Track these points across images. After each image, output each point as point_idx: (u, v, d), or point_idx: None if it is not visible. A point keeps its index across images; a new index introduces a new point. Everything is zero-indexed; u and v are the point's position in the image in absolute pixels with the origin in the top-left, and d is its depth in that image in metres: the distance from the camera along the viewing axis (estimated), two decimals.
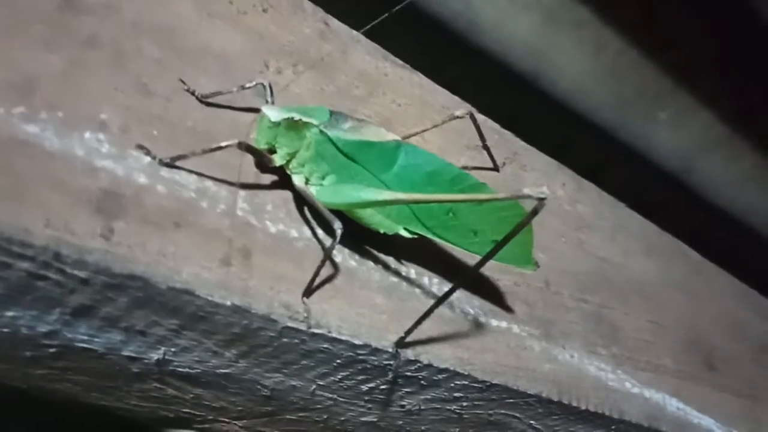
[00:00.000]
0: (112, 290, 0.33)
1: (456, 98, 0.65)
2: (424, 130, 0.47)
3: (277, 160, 0.39)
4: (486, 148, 0.57)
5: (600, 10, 0.87)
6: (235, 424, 0.49)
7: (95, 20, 0.38)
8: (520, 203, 0.43)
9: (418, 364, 0.44)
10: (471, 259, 0.51)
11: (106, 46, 0.38)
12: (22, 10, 0.35)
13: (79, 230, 0.31)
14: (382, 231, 0.42)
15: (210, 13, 0.45)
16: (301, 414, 0.48)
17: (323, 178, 0.40)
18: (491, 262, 0.45)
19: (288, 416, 0.48)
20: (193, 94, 0.40)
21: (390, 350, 0.42)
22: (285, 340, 0.39)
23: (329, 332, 0.39)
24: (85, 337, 0.36)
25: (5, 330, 0.34)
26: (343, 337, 0.40)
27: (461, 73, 0.78)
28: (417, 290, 0.46)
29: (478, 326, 0.49)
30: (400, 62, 0.61)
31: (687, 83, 0.98)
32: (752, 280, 1.02)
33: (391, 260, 0.46)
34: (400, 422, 0.52)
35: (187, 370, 0.40)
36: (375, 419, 0.50)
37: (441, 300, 0.40)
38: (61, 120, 0.33)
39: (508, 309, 0.53)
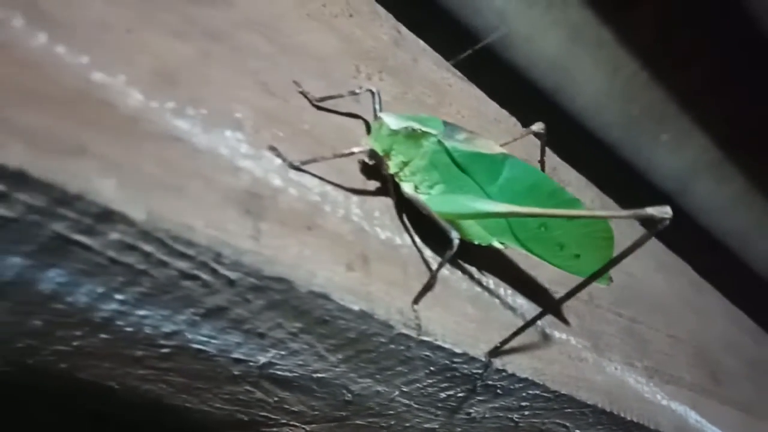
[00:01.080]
0: (253, 292, 0.32)
1: (504, 111, 0.67)
2: (505, 144, 0.48)
3: (392, 167, 0.39)
4: (542, 163, 0.58)
5: (619, 32, 0.90)
6: (303, 428, 0.48)
7: (215, 13, 0.37)
8: (608, 221, 0.44)
9: (503, 374, 0.45)
10: (533, 269, 0.53)
11: (227, 41, 0.37)
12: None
13: (233, 230, 0.31)
14: (476, 242, 0.43)
15: (308, 14, 0.45)
16: (370, 420, 0.48)
17: (432, 186, 0.40)
18: (555, 272, 0.46)
19: (357, 421, 0.48)
20: (306, 96, 0.40)
21: (483, 359, 0.42)
22: (392, 346, 0.39)
23: (435, 340, 0.39)
24: (204, 339, 0.35)
25: (128, 329, 0.33)
26: (446, 345, 0.40)
27: (490, 85, 0.80)
28: (497, 300, 0.47)
29: (545, 338, 0.50)
30: (459, 74, 0.62)
31: (689, 107, 1.02)
32: (738, 301, 1.08)
33: (474, 270, 0.47)
34: (459, 430, 0.52)
35: (285, 373, 0.40)
36: (437, 426, 0.51)
37: (537, 318, 0.41)
38: (205, 116, 0.33)
39: (565, 321, 0.54)
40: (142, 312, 0.32)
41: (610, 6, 0.84)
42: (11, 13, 0.27)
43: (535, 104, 0.91)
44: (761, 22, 0.86)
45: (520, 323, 0.48)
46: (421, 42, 0.58)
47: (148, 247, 0.28)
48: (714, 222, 1.20)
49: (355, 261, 0.37)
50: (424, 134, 0.39)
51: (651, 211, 0.35)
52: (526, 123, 0.73)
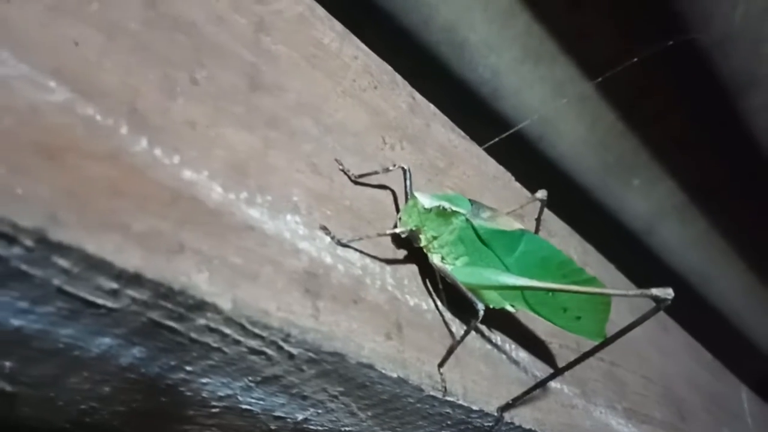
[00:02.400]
0: (308, 363, 0.36)
1: (501, 167, 0.72)
2: (512, 211, 0.53)
3: (422, 240, 0.43)
4: (538, 221, 0.63)
5: (601, 87, 0.96)
6: None
7: (272, 100, 0.41)
8: (600, 282, 0.49)
9: (510, 426, 0.49)
10: (531, 323, 0.57)
11: (283, 126, 0.41)
12: (225, 90, 0.37)
13: (298, 311, 0.34)
14: (491, 306, 0.47)
15: (343, 91, 0.48)
16: None
17: (457, 258, 0.45)
18: (547, 325, 0.51)
19: None
20: (346, 173, 0.43)
21: (495, 414, 0.47)
22: (419, 405, 0.43)
23: (457, 400, 0.43)
24: (253, 401, 0.39)
25: (188, 393, 0.36)
26: (465, 404, 0.44)
27: (478, 134, 0.85)
28: (503, 356, 0.52)
29: (543, 388, 0.55)
30: (462, 133, 0.66)
31: (659, 156, 1.09)
32: (698, 334, 1.16)
33: (484, 328, 0.51)
34: None
35: (317, 428, 0.43)
36: None
37: (548, 379, 0.45)
38: (270, 203, 0.36)
39: (558, 370, 0.59)
40: (204, 380, 0.35)
41: (592, 65, 0.90)
42: (119, 120, 0.30)
43: (520, 149, 0.96)
44: (724, 90, 0.94)
45: (523, 376, 0.53)
46: (432, 106, 0.62)
47: (227, 330, 0.32)
48: (677, 260, 1.28)
49: (392, 330, 0.41)
50: (454, 213, 0.43)
51: (655, 291, 0.40)
52: (510, 166, 0.78)
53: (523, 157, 0.99)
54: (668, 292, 0.40)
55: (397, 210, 0.48)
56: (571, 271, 0.47)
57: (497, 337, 0.52)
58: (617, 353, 0.75)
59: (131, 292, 0.28)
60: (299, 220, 0.37)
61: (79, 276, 0.27)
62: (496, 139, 0.46)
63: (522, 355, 0.55)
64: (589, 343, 0.68)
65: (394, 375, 0.39)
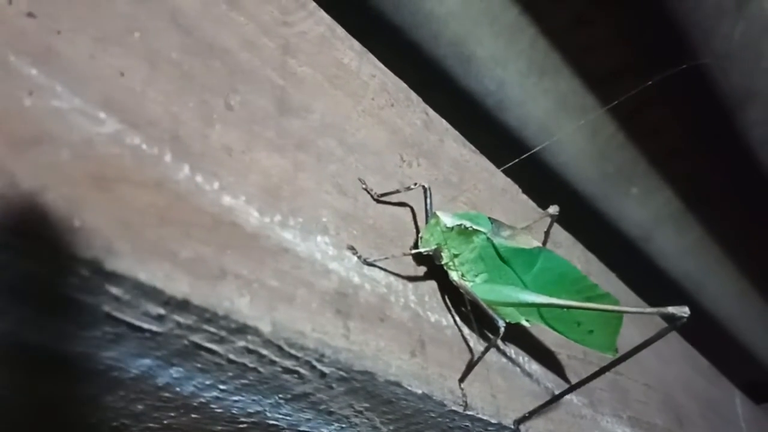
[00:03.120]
0: (338, 381, 0.37)
1: (509, 180, 0.73)
2: (525, 226, 0.54)
3: (444, 258, 0.44)
4: (547, 233, 0.65)
5: (602, 99, 0.98)
6: None
7: (300, 123, 0.42)
8: (613, 297, 0.51)
9: None
10: (540, 335, 0.58)
11: (311, 149, 0.41)
12: (256, 114, 0.38)
13: (331, 331, 0.35)
14: (507, 321, 0.49)
15: (363, 110, 0.49)
16: None
17: (477, 275, 0.46)
18: (556, 337, 0.52)
19: None
20: (369, 192, 0.44)
21: (512, 427, 0.48)
22: (440, 419, 0.44)
23: (477, 414, 0.45)
24: (280, 416, 0.40)
25: (218, 410, 0.37)
26: (485, 417, 0.45)
27: (483, 143, 0.86)
28: (518, 369, 0.53)
29: (553, 398, 0.56)
30: (472, 147, 0.68)
31: (657, 166, 1.11)
32: (692, 339, 1.18)
33: (499, 342, 0.52)
34: None
35: None
36: None
37: (564, 393, 0.47)
38: (302, 225, 0.37)
39: (567, 381, 0.61)
40: (236, 397, 0.36)
41: (594, 78, 0.92)
42: (163, 148, 0.31)
43: (524, 161, 0.98)
44: (722, 104, 0.96)
45: (536, 388, 0.54)
46: (444, 121, 0.63)
47: (265, 351, 0.33)
48: (672, 267, 1.30)
49: (416, 347, 0.42)
50: (476, 232, 0.44)
51: (672, 310, 0.41)
52: (514, 178, 0.79)
53: (526, 168, 1.01)
54: (684, 311, 0.41)
55: (417, 227, 0.49)
56: (586, 287, 0.49)
57: (511, 350, 0.54)
58: (612, 360, 0.76)
59: (177, 317, 0.29)
60: (328, 241, 0.38)
61: (128, 303, 0.28)
62: (516, 161, 0.47)
63: (534, 367, 0.56)
64: (596, 354, 0.70)
65: (419, 391, 0.40)
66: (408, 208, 0.49)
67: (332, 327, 0.35)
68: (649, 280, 1.26)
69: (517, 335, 0.55)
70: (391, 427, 0.44)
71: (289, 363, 0.34)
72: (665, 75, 0.46)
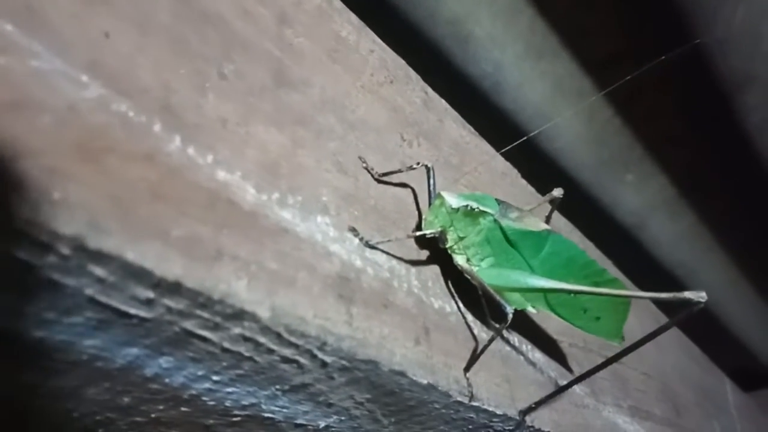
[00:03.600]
0: (340, 371, 0.35)
1: (508, 164, 0.71)
2: (530, 209, 0.52)
3: (449, 241, 0.42)
4: (548, 217, 0.63)
5: (598, 84, 0.96)
6: None
7: (299, 97, 0.39)
8: (621, 282, 0.49)
9: (531, 429, 0.48)
10: (543, 323, 0.57)
11: (311, 124, 0.39)
12: (252, 85, 0.36)
13: (333, 317, 0.33)
14: (513, 306, 0.47)
15: (362, 86, 0.47)
16: None
17: (483, 259, 0.44)
18: (558, 324, 0.51)
19: None
20: (370, 172, 0.42)
21: (517, 418, 0.46)
22: (443, 410, 0.42)
23: (482, 404, 0.43)
24: (276, 409, 0.37)
25: (211, 403, 0.35)
26: (490, 408, 0.43)
27: (479, 127, 0.84)
28: (521, 357, 0.51)
29: (557, 388, 0.55)
30: (472, 129, 0.65)
31: (652, 152, 1.10)
32: (685, 329, 1.17)
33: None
34: None
35: None
36: None
37: (569, 385, 0.45)
38: (301, 204, 0.35)
39: (570, 370, 0.59)
40: (230, 389, 0.34)
41: (592, 62, 0.90)
42: (152, 117, 0.28)
43: (521, 145, 0.95)
44: (720, 88, 0.94)
45: (540, 377, 0.52)
46: (443, 101, 0.61)
47: (263, 339, 0.30)
48: (665, 254, 1.29)
49: (420, 334, 0.40)
50: (482, 213, 0.42)
51: (689, 295, 0.39)
52: (510, 161, 0.77)
53: (523, 154, 0.99)
54: (701, 296, 0.39)
55: (419, 209, 0.47)
56: (595, 272, 0.47)
57: (515, 338, 0.52)
58: (617, 350, 0.75)
59: (167, 302, 0.27)
60: (329, 222, 0.36)
61: (114, 285, 0.25)
62: (515, 143, 0.45)
63: (537, 355, 0.54)
64: (596, 342, 0.68)
65: (424, 381, 0.38)
66: (410, 190, 0.47)
67: (335, 313, 0.33)
68: (643, 268, 1.25)
69: (520, 322, 0.53)
70: (393, 419, 0.42)
71: (288, 352, 0.31)
72: (669, 56, 0.44)
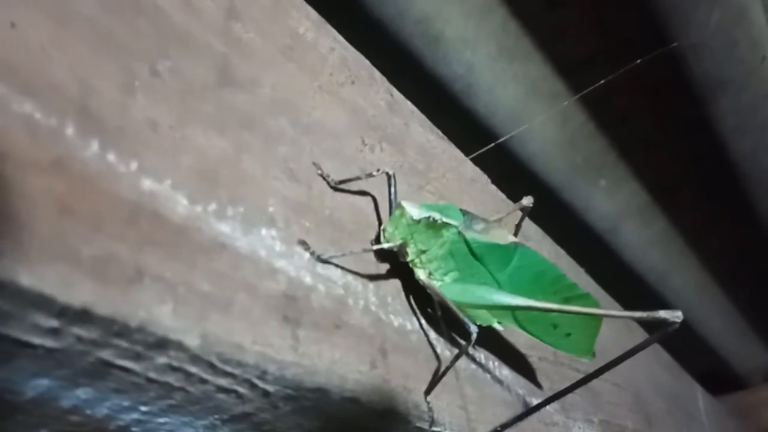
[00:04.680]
0: (285, 401, 0.31)
1: (477, 169, 0.68)
2: (498, 218, 0.49)
3: (409, 255, 0.39)
4: (518, 226, 0.60)
5: (573, 85, 0.94)
6: None
7: (246, 98, 0.36)
8: (593, 298, 0.46)
9: None
10: (511, 337, 0.54)
11: (258, 128, 0.36)
12: (191, 84, 0.32)
13: (276, 343, 0.30)
14: (478, 323, 0.44)
15: (320, 86, 0.44)
16: None
17: (446, 274, 0.41)
18: (527, 338, 0.48)
19: None
20: (325, 179, 0.39)
21: None
22: None
23: (444, 429, 0.40)
24: None
25: None
26: None
27: (450, 131, 0.81)
28: (488, 376, 0.48)
29: (526, 407, 0.52)
30: (440, 133, 0.63)
31: (626, 156, 1.08)
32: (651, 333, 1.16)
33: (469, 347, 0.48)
34: None
35: None
36: None
37: (535, 408, 0.42)
38: (243, 216, 0.31)
39: (539, 386, 0.56)
40: (162, 419, 0.31)
41: (566, 64, 0.88)
42: (64, 120, 0.25)
43: (492, 150, 0.93)
44: (695, 92, 0.93)
45: (508, 396, 0.50)
46: (410, 104, 0.58)
47: (193, 369, 0.27)
48: (637, 259, 1.28)
49: (377, 357, 0.37)
50: (445, 225, 0.39)
51: (663, 314, 0.37)
52: (480, 166, 0.75)
53: (494, 159, 0.96)
54: (677, 315, 0.37)
55: (379, 219, 0.44)
56: (565, 286, 0.44)
57: (481, 355, 0.49)
58: (591, 362, 0.72)
59: (77, 330, 0.23)
60: (275, 235, 0.33)
61: (9, 314, 0.22)
62: (485, 149, 0.43)
63: (505, 372, 0.51)
64: (567, 355, 0.66)
65: (379, 408, 0.35)
66: (369, 198, 0.44)
67: (278, 338, 0.30)
68: (615, 273, 1.24)
69: (486, 338, 0.51)
70: None
71: (224, 381, 0.28)
72: (645, 59, 0.42)
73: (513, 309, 0.43)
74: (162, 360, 0.26)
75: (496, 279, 0.42)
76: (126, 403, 0.28)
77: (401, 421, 0.37)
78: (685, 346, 1.42)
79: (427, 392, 0.39)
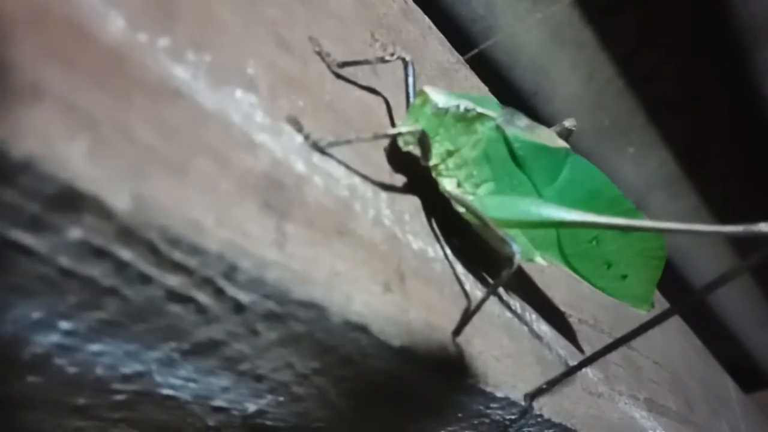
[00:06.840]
0: (266, 321, 0.23)
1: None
2: None
3: (433, 157, 0.30)
4: None
5: (599, 34, 0.85)
6: None
7: None
8: (662, 237, 0.37)
9: (538, 419, 0.37)
10: (549, 290, 0.45)
11: None
12: None
13: (253, 232, 0.21)
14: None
15: None
16: None
17: (479, 185, 0.32)
18: (566, 293, 0.39)
19: None
20: (324, 60, 0.30)
21: (522, 403, 0.34)
22: None
23: (478, 383, 0.31)
24: (179, 383, 0.25)
25: (72, 370, 0.23)
26: (488, 389, 0.32)
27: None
28: (525, 328, 0.40)
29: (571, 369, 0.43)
30: (460, 57, 0.54)
31: (654, 120, 0.99)
32: (684, 318, 1.07)
33: (501, 290, 0.39)
34: None
35: (277, 423, 0.30)
36: None
37: (581, 365, 0.33)
38: (210, 66, 0.23)
39: (581, 349, 0.47)
40: (95, 346, 0.22)
41: (595, 9, 0.79)
42: None
43: (515, 106, 0.84)
44: (736, 40, 0.84)
45: (548, 355, 0.41)
46: (427, 19, 0.49)
47: (127, 254, 0.18)
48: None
49: (393, 279, 0.28)
50: (480, 117, 0.30)
51: (765, 226, 0.27)
52: None
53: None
54: None
55: (393, 124, 0.35)
56: (626, 210, 0.35)
57: (516, 304, 0.40)
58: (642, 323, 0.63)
59: None
60: (255, 102, 0.24)
61: None
62: (475, 51, 0.34)
63: (544, 328, 0.42)
64: (607, 321, 0.57)
65: (396, 344, 0.26)
66: (381, 99, 0.35)
67: (256, 226, 0.21)
68: None
69: (521, 286, 0.42)
70: (353, 402, 0.30)
71: (175, 281, 0.19)
72: None
73: (563, 227, 0.34)
74: (76, 233, 0.17)
75: (541, 194, 0.33)
76: (36, 315, 0.20)
77: (422, 364, 0.28)
78: (712, 335, 1.32)
79: (456, 333, 0.30)
